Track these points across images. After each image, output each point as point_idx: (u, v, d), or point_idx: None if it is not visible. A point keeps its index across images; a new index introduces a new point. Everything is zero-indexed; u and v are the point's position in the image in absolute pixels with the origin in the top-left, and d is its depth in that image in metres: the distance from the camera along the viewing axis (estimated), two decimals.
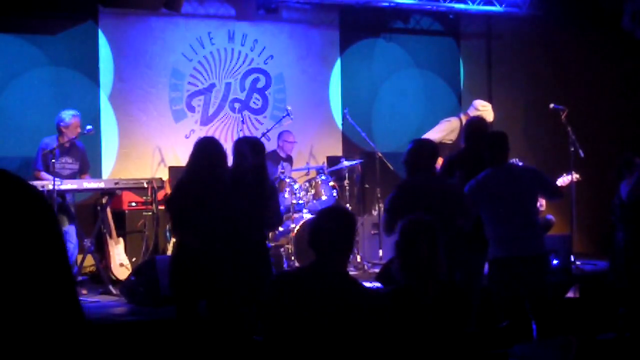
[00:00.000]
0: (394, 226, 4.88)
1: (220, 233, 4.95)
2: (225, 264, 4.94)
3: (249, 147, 5.17)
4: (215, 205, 4.92)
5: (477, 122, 6.03)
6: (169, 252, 7.67)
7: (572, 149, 8.01)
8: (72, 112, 7.23)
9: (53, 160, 6.92)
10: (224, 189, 4.99)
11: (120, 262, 7.70)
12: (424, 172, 5.19)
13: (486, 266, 5.39)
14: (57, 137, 7.22)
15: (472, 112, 7.84)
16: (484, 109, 7.85)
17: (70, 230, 7.19)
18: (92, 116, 8.33)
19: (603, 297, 6.58)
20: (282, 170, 8.05)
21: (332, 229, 3.31)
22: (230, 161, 5.32)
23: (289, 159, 8.72)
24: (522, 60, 10.48)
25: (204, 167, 5.03)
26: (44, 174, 7.11)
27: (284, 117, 8.56)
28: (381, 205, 8.59)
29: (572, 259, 7.71)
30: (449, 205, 5.03)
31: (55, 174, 6.96)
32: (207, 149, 5.14)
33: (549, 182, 5.33)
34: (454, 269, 5.01)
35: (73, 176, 7.28)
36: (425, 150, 5.26)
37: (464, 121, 7.84)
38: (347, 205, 8.10)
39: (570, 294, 6.99)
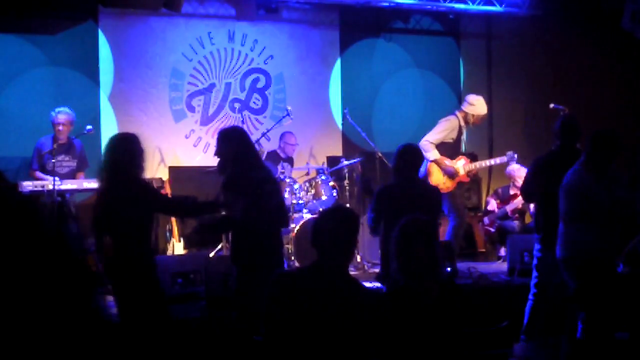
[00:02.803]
0: (377, 228, 5.50)
1: None
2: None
3: (220, 137, 4.92)
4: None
5: (571, 119, 5.75)
6: (169, 252, 7.67)
7: None
8: (60, 109, 7.23)
9: (53, 161, 6.93)
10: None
11: None
12: (404, 176, 5.52)
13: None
14: (52, 136, 7.23)
15: (466, 108, 7.87)
16: (477, 102, 7.89)
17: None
18: (92, 116, 8.34)
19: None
20: (282, 171, 8.05)
21: (335, 229, 3.31)
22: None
23: (289, 160, 8.72)
24: (522, 60, 10.48)
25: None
26: (39, 174, 7.13)
27: (284, 117, 8.55)
28: None
29: None
30: (428, 207, 5.23)
31: (54, 173, 6.98)
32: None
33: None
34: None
35: (71, 173, 7.29)
36: (408, 155, 5.56)
37: (460, 118, 7.86)
38: (347, 205, 8.09)
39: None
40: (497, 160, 8.16)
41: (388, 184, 5.76)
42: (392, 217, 4.58)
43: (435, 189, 6.02)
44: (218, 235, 7.53)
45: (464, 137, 7.93)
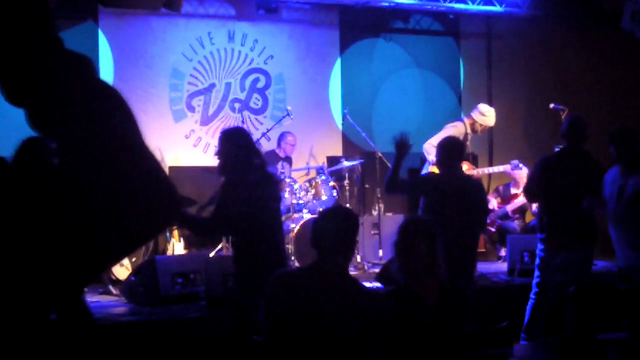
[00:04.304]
0: (399, 187, 5.32)
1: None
2: None
3: (221, 137, 4.85)
4: None
5: (578, 121, 5.73)
6: (169, 252, 7.66)
7: None
8: None
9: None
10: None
11: (120, 262, 7.69)
12: (447, 168, 5.39)
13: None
14: None
15: (476, 116, 7.84)
16: (489, 114, 7.85)
17: None
18: None
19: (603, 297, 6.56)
20: (282, 170, 8.05)
21: (334, 229, 3.31)
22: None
23: (287, 159, 8.71)
24: (522, 60, 10.48)
25: None
26: None
27: (284, 117, 8.55)
28: (381, 205, 8.60)
29: None
30: (471, 204, 5.19)
31: None
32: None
33: None
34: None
35: None
36: (447, 148, 5.43)
37: (467, 125, 7.82)
38: (347, 205, 8.09)
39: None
40: (501, 168, 8.16)
41: (436, 174, 5.70)
42: (432, 210, 4.92)
43: (479, 185, 5.77)
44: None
45: (468, 143, 7.91)
